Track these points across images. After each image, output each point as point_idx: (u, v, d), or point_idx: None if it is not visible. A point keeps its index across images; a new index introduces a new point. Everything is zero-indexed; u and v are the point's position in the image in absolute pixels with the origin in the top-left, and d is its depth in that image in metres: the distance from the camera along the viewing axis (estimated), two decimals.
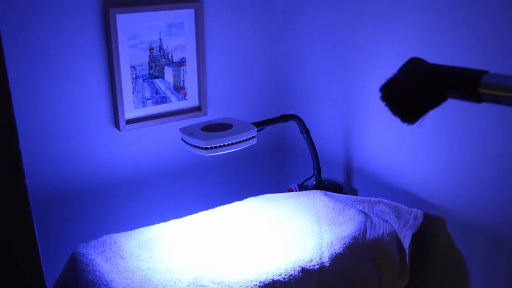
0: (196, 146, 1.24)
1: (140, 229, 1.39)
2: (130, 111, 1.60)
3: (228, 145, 1.12)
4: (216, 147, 1.23)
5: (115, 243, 1.30)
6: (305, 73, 1.75)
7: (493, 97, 0.73)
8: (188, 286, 1.13)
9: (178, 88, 1.68)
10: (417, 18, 1.33)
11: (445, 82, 0.78)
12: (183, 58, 1.65)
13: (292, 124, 1.66)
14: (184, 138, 1.18)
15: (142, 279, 1.18)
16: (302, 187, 1.69)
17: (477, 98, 0.74)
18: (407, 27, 1.36)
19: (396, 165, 1.50)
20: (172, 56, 1.63)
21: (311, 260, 1.22)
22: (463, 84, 0.74)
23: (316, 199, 1.48)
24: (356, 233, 1.31)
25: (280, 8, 1.79)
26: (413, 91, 0.80)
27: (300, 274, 1.19)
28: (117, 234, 1.34)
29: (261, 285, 1.14)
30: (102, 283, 1.16)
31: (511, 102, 0.71)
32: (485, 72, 0.73)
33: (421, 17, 1.32)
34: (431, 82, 0.79)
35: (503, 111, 1.17)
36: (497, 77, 0.72)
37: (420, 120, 0.81)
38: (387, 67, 1.47)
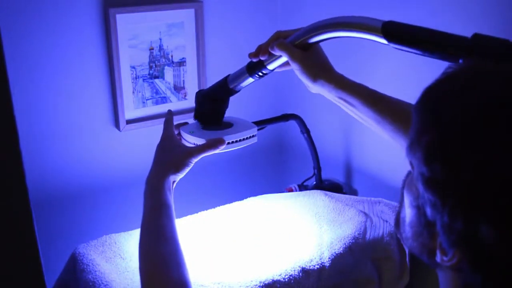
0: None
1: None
2: (130, 111, 1.60)
3: (228, 143, 1.12)
4: None
5: (115, 243, 1.30)
6: None
7: None
8: None
9: (178, 88, 1.68)
10: (418, 18, 1.33)
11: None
12: (183, 58, 1.65)
13: (293, 124, 1.66)
14: (184, 137, 1.18)
15: None
16: (302, 187, 1.69)
17: None
18: None
19: (396, 165, 1.50)
20: (172, 56, 1.63)
21: (311, 260, 1.22)
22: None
23: (316, 199, 1.48)
24: (356, 233, 1.31)
25: (280, 9, 1.79)
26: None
27: (300, 274, 1.19)
28: (117, 234, 1.34)
29: (261, 285, 1.14)
30: (102, 283, 1.16)
31: None
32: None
33: (422, 17, 1.32)
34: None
35: None
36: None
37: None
38: (387, 67, 1.48)
